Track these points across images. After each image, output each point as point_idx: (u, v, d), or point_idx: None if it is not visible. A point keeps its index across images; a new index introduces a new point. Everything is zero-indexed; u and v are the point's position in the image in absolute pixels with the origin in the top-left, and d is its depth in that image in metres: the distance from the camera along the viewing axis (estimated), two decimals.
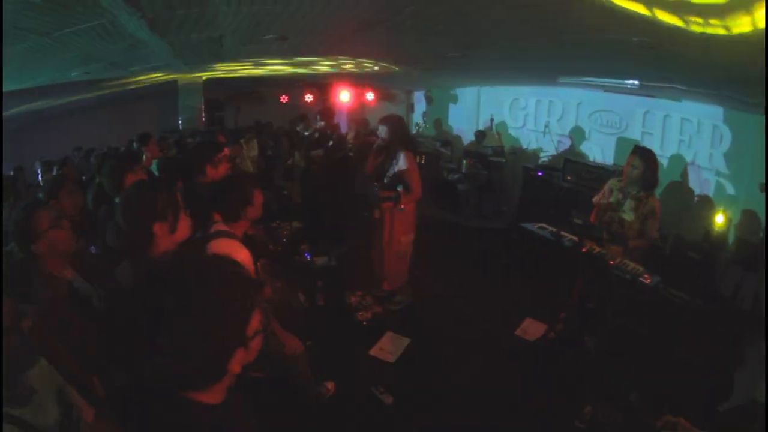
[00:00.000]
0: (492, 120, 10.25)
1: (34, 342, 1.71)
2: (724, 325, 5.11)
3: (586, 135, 8.57)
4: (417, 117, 12.99)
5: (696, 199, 6.75)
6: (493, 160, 9.56)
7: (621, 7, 3.08)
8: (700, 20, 3.04)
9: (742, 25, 2.85)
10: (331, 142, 7.68)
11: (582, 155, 8.57)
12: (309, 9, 3.92)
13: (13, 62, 4.40)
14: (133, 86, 8.35)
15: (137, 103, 10.85)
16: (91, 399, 1.99)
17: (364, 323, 5.31)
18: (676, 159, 7.03)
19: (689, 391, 3.95)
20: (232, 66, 7.63)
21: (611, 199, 4.64)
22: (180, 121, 9.60)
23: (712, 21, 2.99)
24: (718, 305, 5.50)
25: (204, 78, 9.28)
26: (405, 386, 4.32)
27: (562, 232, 4.56)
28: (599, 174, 7.08)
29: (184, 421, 1.25)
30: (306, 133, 8.13)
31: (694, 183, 6.83)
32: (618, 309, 4.07)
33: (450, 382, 4.42)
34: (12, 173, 7.07)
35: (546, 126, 9.20)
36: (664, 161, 7.09)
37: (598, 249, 4.33)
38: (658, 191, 4.62)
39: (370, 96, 11.55)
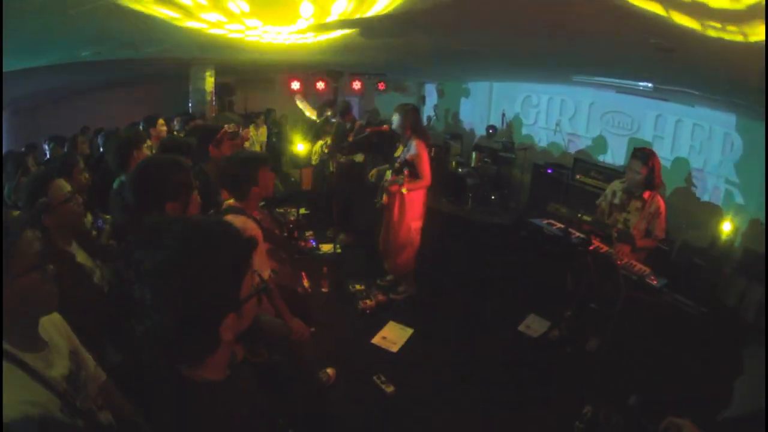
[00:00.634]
0: (504, 115, 10.24)
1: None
2: (726, 333, 5.11)
3: (604, 139, 8.55)
4: (428, 110, 12.95)
5: (703, 206, 6.73)
6: (503, 155, 9.55)
7: (638, 7, 3.06)
8: (717, 25, 3.02)
9: (759, 33, 2.83)
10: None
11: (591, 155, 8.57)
12: None
13: (25, 40, 4.39)
14: (144, 68, 8.34)
15: (148, 86, 10.87)
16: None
17: (368, 312, 5.33)
18: (683, 164, 7.02)
19: (689, 397, 3.97)
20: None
21: (615, 201, 4.64)
22: (190, 105, 9.59)
23: (729, 27, 2.98)
24: (722, 313, 5.50)
25: (215, 62, 9.27)
26: (406, 376, 4.34)
27: (570, 229, 4.55)
28: (609, 174, 7.08)
29: (183, 398, 1.22)
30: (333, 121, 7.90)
31: (702, 190, 6.82)
32: (623, 311, 4.06)
33: (451, 374, 4.44)
34: (24, 149, 7.07)
35: (557, 124, 9.18)
36: (675, 165, 7.09)
37: (605, 248, 4.32)
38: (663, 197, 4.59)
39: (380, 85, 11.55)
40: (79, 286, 2.49)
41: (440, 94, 12.45)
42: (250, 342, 3.76)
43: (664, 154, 7.20)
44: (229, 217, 2.98)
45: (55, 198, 2.56)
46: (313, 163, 7.72)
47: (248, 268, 1.28)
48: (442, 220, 5.94)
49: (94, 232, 3.53)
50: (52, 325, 1.77)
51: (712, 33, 3.15)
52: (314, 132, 7.90)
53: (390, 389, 4.16)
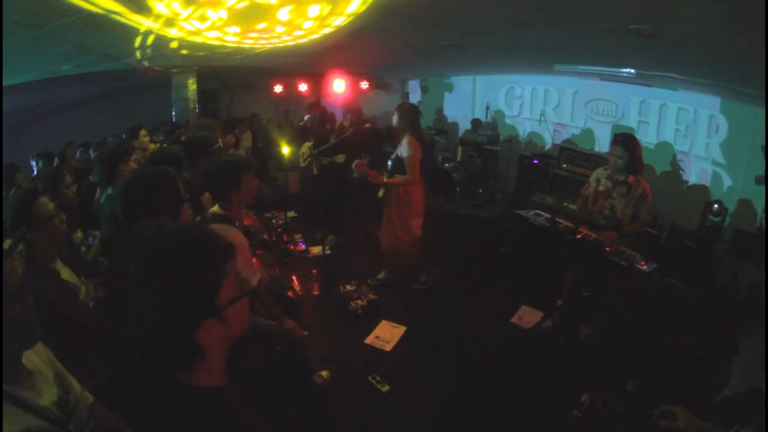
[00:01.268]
0: (488, 108, 10.22)
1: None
2: (720, 313, 5.12)
3: (589, 127, 8.56)
4: None
5: (691, 188, 6.74)
6: (488, 148, 9.55)
7: None
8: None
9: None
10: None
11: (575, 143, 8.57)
12: None
13: (5, 57, 4.33)
14: (126, 78, 8.28)
15: (131, 96, 10.80)
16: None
17: (359, 312, 5.29)
18: (669, 147, 7.04)
19: (686, 380, 3.96)
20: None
21: (600, 188, 4.63)
22: (173, 113, 9.54)
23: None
24: (714, 294, 5.51)
25: (196, 69, 9.21)
26: (401, 375, 4.31)
27: (557, 219, 4.54)
28: (595, 162, 7.07)
29: (177, 403, 1.21)
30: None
31: (689, 172, 6.83)
32: (615, 297, 4.06)
33: (446, 370, 4.42)
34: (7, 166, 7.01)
35: (542, 114, 9.18)
36: (660, 150, 7.10)
37: (593, 235, 4.31)
38: (650, 180, 4.59)
39: (364, 85, 11.45)
40: (63, 303, 2.48)
41: (424, 89, 12.42)
42: (244, 347, 3.75)
43: (650, 138, 7.23)
44: (213, 227, 2.95)
45: (39, 215, 2.55)
46: (301, 165, 7.67)
47: (225, 274, 1.26)
48: (429, 216, 5.93)
49: (84, 248, 3.49)
50: (34, 353, 1.75)
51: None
52: (300, 135, 7.87)
53: (386, 388, 4.13)
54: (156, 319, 1.15)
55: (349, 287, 5.72)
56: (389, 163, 5.47)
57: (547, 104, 9.20)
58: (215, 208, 3.18)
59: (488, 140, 9.60)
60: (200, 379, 1.25)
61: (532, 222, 4.78)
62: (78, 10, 3.47)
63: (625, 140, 4.40)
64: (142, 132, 6.58)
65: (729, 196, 6.17)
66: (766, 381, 1.81)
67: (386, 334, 4.93)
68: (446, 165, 9.55)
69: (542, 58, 7.01)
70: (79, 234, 3.54)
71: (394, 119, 5.48)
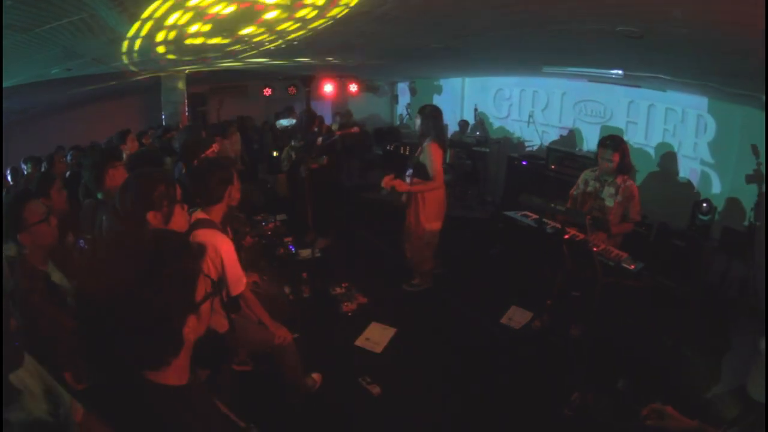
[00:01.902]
0: (476, 110, 10.23)
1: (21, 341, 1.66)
2: (711, 311, 5.14)
3: (578, 128, 8.57)
4: (401, 108, 12.95)
5: (680, 187, 6.76)
6: (477, 150, 9.55)
7: None
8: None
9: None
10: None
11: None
12: None
13: None
14: (115, 82, 8.22)
15: (121, 100, 10.76)
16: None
17: (349, 314, 5.28)
18: (658, 148, 7.07)
19: (677, 378, 3.97)
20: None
21: (588, 189, 4.66)
22: (163, 117, 9.49)
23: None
24: (705, 292, 5.53)
25: (187, 72, 9.16)
26: (392, 376, 4.30)
27: (545, 219, 4.56)
28: (583, 163, 7.09)
29: (149, 404, 1.24)
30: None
31: (678, 171, 6.85)
32: (604, 296, 4.06)
33: (436, 371, 4.42)
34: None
35: (530, 116, 9.19)
36: (649, 150, 7.13)
37: (581, 236, 4.32)
38: (638, 181, 4.61)
39: (353, 87, 11.45)
40: (51, 305, 2.49)
41: (413, 92, 12.44)
42: (235, 351, 3.73)
43: (638, 139, 7.25)
44: (199, 232, 3.01)
45: (30, 218, 2.55)
46: (284, 169, 7.66)
47: (199, 272, 1.33)
48: None
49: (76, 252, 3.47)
50: (22, 369, 1.71)
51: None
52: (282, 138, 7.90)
53: (376, 390, 4.12)
54: (145, 317, 1.18)
55: (339, 290, 5.73)
56: (410, 170, 5.46)
57: (535, 106, 9.20)
58: (198, 214, 3.17)
59: (477, 142, 9.61)
60: (167, 378, 1.28)
61: (520, 223, 4.79)
62: (67, 14, 3.44)
63: (614, 142, 4.44)
64: (130, 136, 6.54)
65: (717, 194, 6.20)
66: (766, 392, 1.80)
67: (376, 336, 4.92)
68: None
69: (531, 60, 7.02)
70: (71, 237, 3.53)
71: (417, 123, 5.49)
